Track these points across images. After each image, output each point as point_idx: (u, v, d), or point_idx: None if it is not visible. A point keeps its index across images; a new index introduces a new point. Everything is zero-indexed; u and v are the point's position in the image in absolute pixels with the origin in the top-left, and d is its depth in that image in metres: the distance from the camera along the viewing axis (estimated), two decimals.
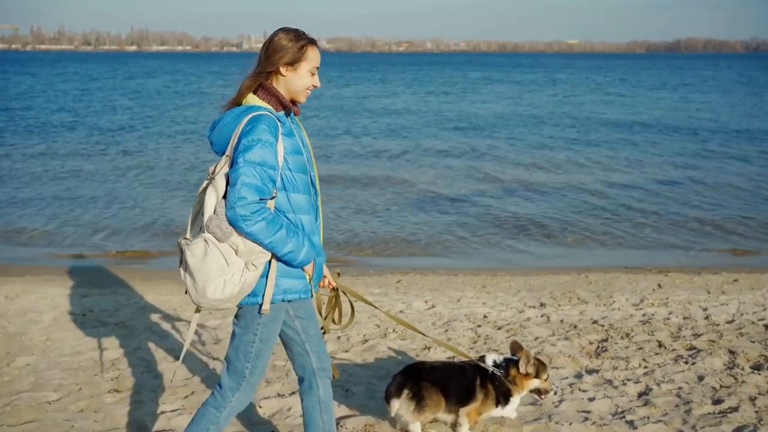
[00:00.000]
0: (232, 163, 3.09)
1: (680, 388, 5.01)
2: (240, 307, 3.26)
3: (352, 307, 3.97)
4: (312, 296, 3.36)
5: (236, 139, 3.10)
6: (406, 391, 4.06)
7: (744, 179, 15.57)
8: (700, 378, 5.17)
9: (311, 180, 3.33)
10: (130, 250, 10.23)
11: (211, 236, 3.08)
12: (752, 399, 4.78)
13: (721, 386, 5.04)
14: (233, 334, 3.31)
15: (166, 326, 6.38)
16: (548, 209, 12.71)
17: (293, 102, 3.32)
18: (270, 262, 3.16)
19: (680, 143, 21.38)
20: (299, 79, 3.25)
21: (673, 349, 5.79)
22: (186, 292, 3.16)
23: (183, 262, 3.15)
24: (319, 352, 3.45)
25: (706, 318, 6.64)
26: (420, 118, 28.94)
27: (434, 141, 21.80)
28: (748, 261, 9.85)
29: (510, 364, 4.19)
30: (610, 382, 5.12)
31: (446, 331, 6.30)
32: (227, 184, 3.10)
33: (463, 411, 4.13)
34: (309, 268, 3.26)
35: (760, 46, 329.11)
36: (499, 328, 6.34)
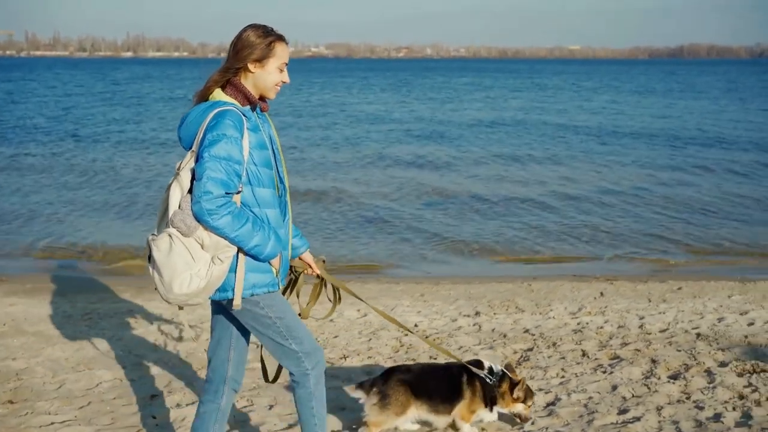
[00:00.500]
0: (198, 158, 3.13)
1: (590, 398, 4.97)
2: (225, 304, 3.32)
3: (337, 295, 3.88)
4: (279, 289, 3.39)
5: (202, 135, 3.15)
6: (374, 389, 4.20)
7: (696, 189, 15.43)
8: (614, 387, 5.13)
9: (279, 175, 3.38)
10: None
11: (176, 231, 3.10)
12: (659, 408, 4.74)
13: (632, 395, 5.00)
14: (254, 330, 3.37)
15: (80, 333, 6.35)
16: (494, 216, 12.69)
17: (261, 98, 3.37)
18: (237, 256, 3.20)
19: (643, 151, 21.30)
20: (268, 76, 3.29)
21: (596, 359, 5.75)
22: (155, 289, 3.19)
23: (150, 258, 3.18)
24: (239, 364, 3.51)
25: (641, 327, 6.59)
26: (386, 125, 28.95)
27: (394, 149, 21.64)
28: (693, 269, 9.83)
29: (504, 378, 4.32)
30: None
31: (369, 340, 6.26)
32: (193, 179, 3.13)
33: (455, 413, 4.28)
34: (275, 261, 3.30)
35: (764, 52, 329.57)
36: (426, 337, 6.30)
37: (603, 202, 13.91)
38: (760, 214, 13.03)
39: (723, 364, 5.49)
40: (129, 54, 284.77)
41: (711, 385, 5.07)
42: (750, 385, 5.06)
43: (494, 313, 7.10)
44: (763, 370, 5.31)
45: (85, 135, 24.09)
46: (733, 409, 4.71)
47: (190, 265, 3.10)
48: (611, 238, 11.33)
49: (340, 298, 3.90)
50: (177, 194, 3.15)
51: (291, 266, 3.64)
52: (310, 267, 3.68)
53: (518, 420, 4.49)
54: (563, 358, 5.79)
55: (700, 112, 34.45)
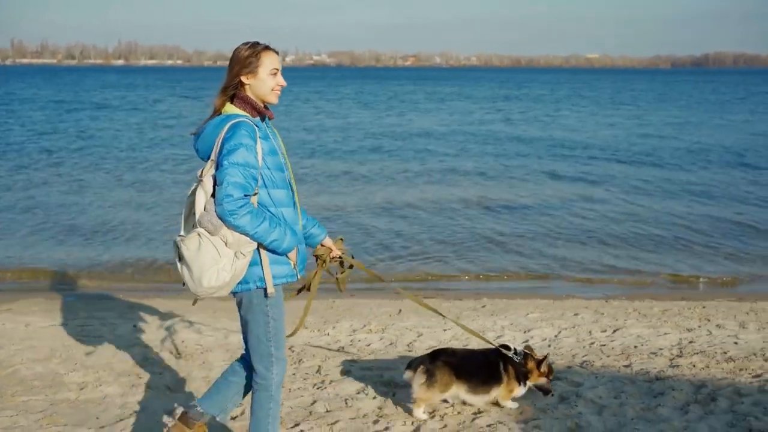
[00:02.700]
0: (218, 166, 3.75)
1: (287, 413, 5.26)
2: (239, 297, 3.93)
3: (346, 270, 4.57)
4: (297, 280, 4.03)
5: (219, 145, 3.76)
6: (422, 367, 5.03)
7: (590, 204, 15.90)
8: (313, 402, 5.44)
9: (288, 177, 3.99)
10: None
11: (204, 230, 3.73)
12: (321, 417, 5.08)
13: (327, 411, 5.30)
14: (246, 324, 3.98)
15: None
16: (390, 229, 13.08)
17: (265, 107, 3.96)
18: (259, 251, 3.81)
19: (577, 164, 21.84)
20: (262, 83, 3.87)
21: (326, 374, 6.06)
22: (184, 285, 3.82)
23: (179, 256, 3.80)
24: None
25: (408, 345, 6.92)
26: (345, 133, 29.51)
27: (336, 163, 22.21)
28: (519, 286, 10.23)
29: (528, 356, 5.18)
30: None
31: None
32: (215, 184, 3.75)
33: (496, 394, 5.15)
34: (292, 254, 3.92)
35: None
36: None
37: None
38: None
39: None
40: (120, 62, 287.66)
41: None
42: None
43: None
44: None
45: None
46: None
47: (217, 260, 3.72)
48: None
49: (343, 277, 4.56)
50: (202, 198, 3.79)
51: (316, 256, 4.40)
52: (332, 249, 4.40)
53: (542, 392, 5.20)
54: (306, 374, 6.06)
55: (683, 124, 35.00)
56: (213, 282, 3.74)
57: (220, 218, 3.71)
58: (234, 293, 3.93)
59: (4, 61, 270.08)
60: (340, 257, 4.47)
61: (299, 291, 4.47)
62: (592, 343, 6.91)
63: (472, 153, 24.56)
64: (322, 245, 4.40)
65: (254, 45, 3.89)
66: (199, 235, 3.75)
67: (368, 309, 8.44)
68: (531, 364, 5.15)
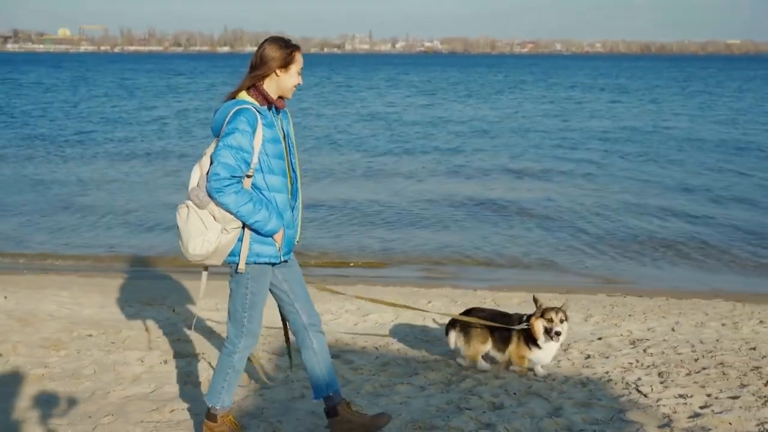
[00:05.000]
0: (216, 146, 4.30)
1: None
2: (231, 268, 4.46)
3: None
4: (280, 262, 4.49)
5: (225, 127, 4.29)
6: (458, 326, 6.19)
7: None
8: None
9: (291, 165, 4.54)
10: None
11: (191, 203, 4.30)
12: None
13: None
14: (231, 291, 4.54)
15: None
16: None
17: (280, 98, 4.51)
18: (244, 229, 4.33)
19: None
20: (290, 79, 4.44)
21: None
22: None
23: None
24: (308, 310, 4.70)
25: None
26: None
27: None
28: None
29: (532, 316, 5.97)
30: None
31: None
32: (212, 163, 4.27)
33: (508, 352, 6.05)
34: (278, 237, 4.39)
35: None
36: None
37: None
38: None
39: None
40: (226, 49, 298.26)
41: None
42: None
43: None
44: None
45: None
46: None
47: (203, 231, 4.25)
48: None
49: None
50: (196, 174, 4.36)
51: None
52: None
53: (553, 338, 5.83)
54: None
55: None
56: (198, 250, 4.26)
57: (208, 194, 4.22)
58: (228, 264, 4.45)
59: (112, 49, 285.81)
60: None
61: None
62: None
63: None
64: None
65: (288, 43, 4.46)
66: (187, 206, 4.30)
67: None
68: (532, 320, 5.89)
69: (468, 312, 6.27)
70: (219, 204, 4.21)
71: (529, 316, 5.96)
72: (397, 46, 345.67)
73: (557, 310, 5.89)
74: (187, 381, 5.91)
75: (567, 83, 69.04)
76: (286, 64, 4.40)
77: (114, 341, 6.89)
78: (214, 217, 4.25)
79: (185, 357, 6.46)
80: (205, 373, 6.05)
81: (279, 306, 4.74)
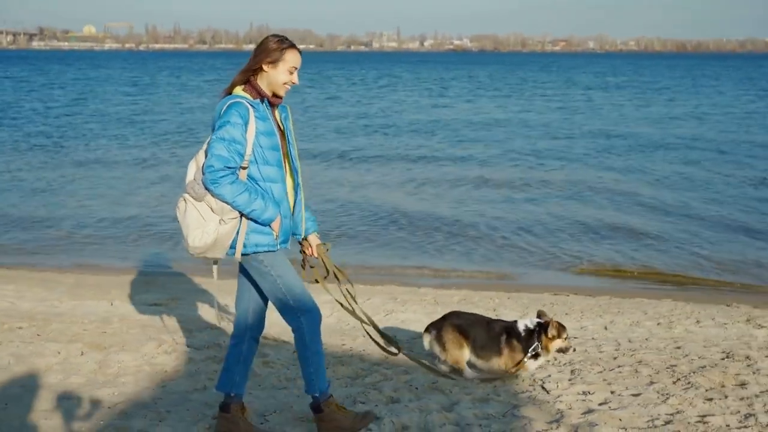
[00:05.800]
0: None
1: None
2: (245, 262, 4.60)
3: (327, 276, 5.10)
4: (277, 250, 4.60)
5: (218, 121, 4.45)
6: (433, 331, 6.07)
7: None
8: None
9: (291, 157, 4.68)
10: None
11: (189, 196, 4.44)
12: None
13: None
14: (260, 286, 4.67)
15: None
16: None
17: (276, 95, 4.63)
18: (242, 220, 4.47)
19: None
20: (278, 75, 4.54)
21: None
22: None
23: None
24: (260, 318, 4.86)
25: None
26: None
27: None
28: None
29: (540, 329, 5.84)
30: None
31: None
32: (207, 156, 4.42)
33: (502, 361, 5.88)
34: (276, 226, 4.53)
35: None
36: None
37: None
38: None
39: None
40: (251, 47, 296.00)
41: None
42: None
43: None
44: None
45: None
46: None
47: (201, 223, 4.39)
48: None
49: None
50: (193, 167, 4.50)
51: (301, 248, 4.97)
52: (311, 248, 4.93)
53: (563, 353, 5.92)
54: None
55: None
56: (197, 242, 4.39)
57: (204, 186, 4.37)
58: (240, 263, 4.61)
59: (137, 47, 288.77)
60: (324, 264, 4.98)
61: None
62: None
63: None
64: (305, 240, 4.93)
65: (282, 40, 4.57)
66: (185, 199, 4.43)
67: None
68: (543, 338, 5.81)
69: (447, 316, 6.17)
70: (215, 195, 4.35)
71: (515, 323, 5.96)
72: (426, 43, 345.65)
73: (564, 327, 5.92)
74: (98, 372, 6.07)
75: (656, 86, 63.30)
76: (274, 60, 4.49)
77: (40, 333, 7.07)
78: (211, 209, 4.39)
79: (104, 349, 6.61)
80: (120, 364, 6.21)
81: (236, 296, 4.84)
